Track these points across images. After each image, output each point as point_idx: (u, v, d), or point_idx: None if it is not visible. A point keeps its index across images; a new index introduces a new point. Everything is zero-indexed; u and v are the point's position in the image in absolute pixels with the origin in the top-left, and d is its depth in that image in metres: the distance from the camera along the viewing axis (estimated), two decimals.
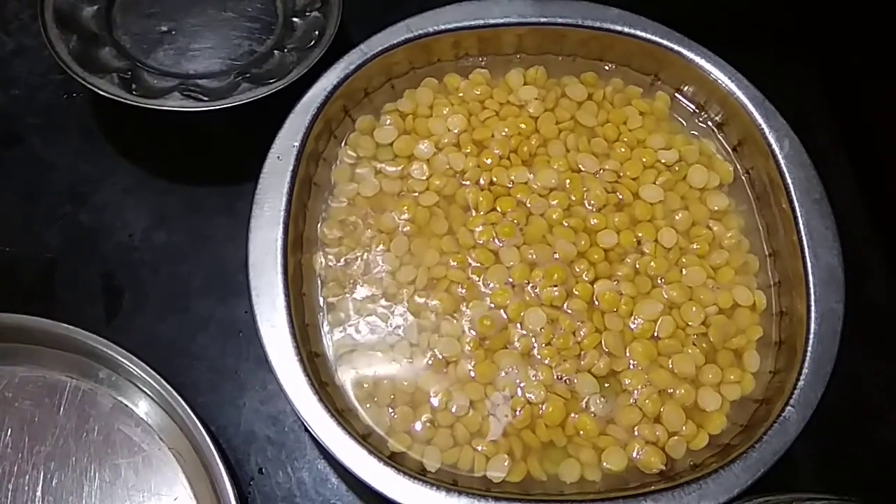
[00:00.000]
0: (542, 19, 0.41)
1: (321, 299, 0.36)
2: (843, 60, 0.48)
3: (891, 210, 0.43)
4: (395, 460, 0.32)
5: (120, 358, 0.36)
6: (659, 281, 0.37)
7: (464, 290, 0.36)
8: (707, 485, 0.31)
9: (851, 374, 0.38)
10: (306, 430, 0.36)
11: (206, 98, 0.40)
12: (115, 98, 0.39)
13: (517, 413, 0.34)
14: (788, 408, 0.32)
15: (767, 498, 0.30)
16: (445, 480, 0.32)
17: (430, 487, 0.31)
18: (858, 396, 0.39)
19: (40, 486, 0.35)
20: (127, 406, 0.36)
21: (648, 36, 0.41)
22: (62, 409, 0.37)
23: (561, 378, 0.35)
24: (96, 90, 0.39)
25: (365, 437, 0.32)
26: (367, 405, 0.34)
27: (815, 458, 0.37)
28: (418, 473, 0.31)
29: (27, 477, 0.35)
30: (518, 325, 0.36)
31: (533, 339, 0.36)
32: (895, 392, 0.39)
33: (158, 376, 0.35)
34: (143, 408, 0.36)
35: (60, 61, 0.39)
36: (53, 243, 0.41)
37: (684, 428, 0.34)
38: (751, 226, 0.39)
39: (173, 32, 0.44)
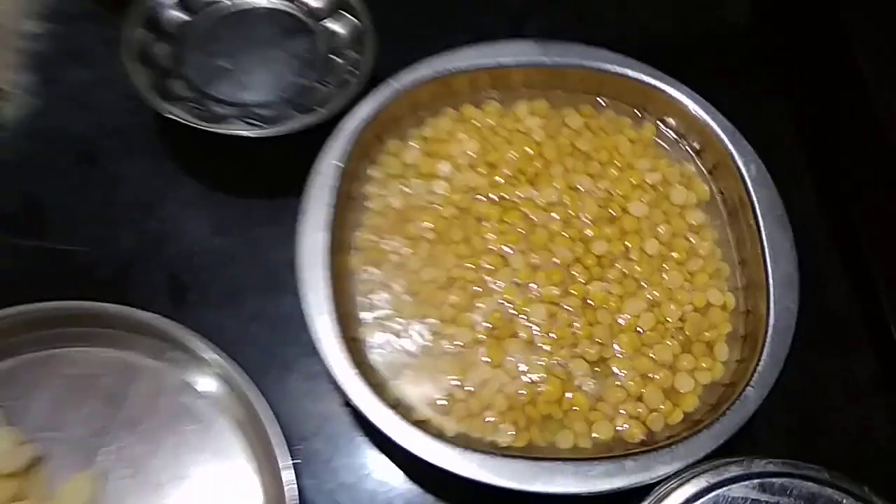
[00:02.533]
0: (546, 60, 0.46)
1: (357, 293, 0.42)
2: (810, 93, 0.53)
3: (848, 227, 0.48)
4: (419, 426, 0.37)
5: (189, 339, 0.40)
6: (643, 283, 0.42)
7: (477, 288, 0.42)
8: (678, 448, 0.36)
9: (808, 368, 0.43)
10: (345, 403, 0.42)
11: (260, 124, 0.45)
12: (186, 123, 0.44)
13: (521, 391, 0.39)
14: (748, 388, 0.37)
15: (728, 459, 0.35)
16: (461, 443, 0.36)
17: (449, 446, 0.36)
18: (814, 387, 0.44)
19: (119, 448, 0.40)
20: (193, 381, 0.41)
21: (636, 75, 0.46)
22: (136, 383, 0.41)
23: (558, 362, 0.40)
24: (171, 116, 0.44)
25: (394, 407, 0.37)
26: (396, 381, 0.40)
27: (776, 436, 0.42)
28: (439, 436, 0.37)
29: (109, 440, 0.40)
30: (523, 318, 0.41)
31: (535, 330, 0.41)
32: (847, 384, 0.44)
33: (223, 353, 0.39)
34: (206, 383, 0.41)
35: (139, 91, 0.45)
36: (127, 247, 0.46)
37: (662, 406, 0.39)
38: (723, 238, 0.44)
39: (232, 68, 0.49)
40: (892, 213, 0.45)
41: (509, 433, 0.38)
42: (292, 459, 0.38)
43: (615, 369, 0.40)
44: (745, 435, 0.38)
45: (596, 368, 0.40)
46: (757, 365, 0.38)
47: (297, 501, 0.37)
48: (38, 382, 0.41)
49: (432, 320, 0.41)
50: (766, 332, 0.39)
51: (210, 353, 0.40)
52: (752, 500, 0.33)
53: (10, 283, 0.45)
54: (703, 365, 0.41)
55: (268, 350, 0.44)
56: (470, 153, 0.45)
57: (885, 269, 0.45)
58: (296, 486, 0.37)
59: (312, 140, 0.43)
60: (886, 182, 0.45)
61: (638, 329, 0.41)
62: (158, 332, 0.41)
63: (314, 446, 0.42)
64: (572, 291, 0.42)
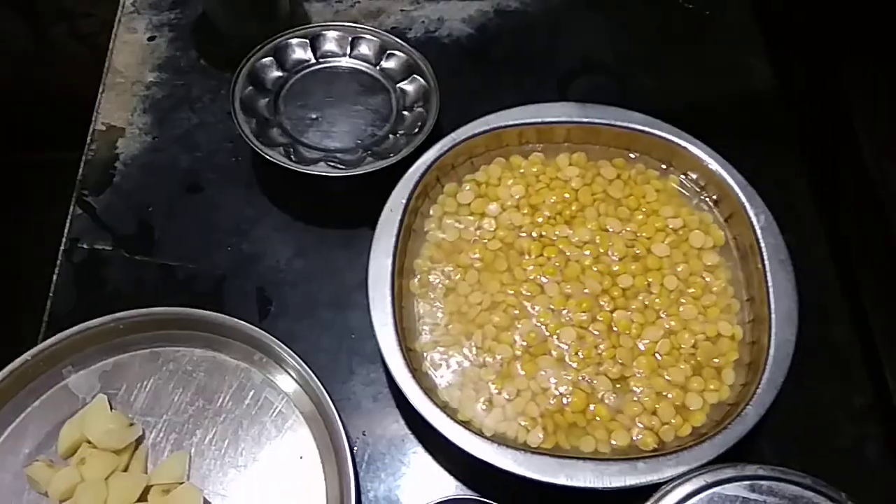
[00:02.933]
0: (585, 119, 0.52)
1: (415, 312, 0.47)
2: (822, 156, 0.57)
3: (851, 268, 0.52)
4: (463, 425, 0.42)
5: (272, 344, 0.45)
6: (662, 314, 0.47)
7: (517, 311, 0.47)
8: (683, 455, 0.41)
9: (811, 394, 0.48)
10: (398, 404, 0.47)
11: (342, 167, 0.51)
12: (282, 164, 0.51)
13: (551, 401, 0.44)
14: (748, 407, 0.42)
15: (725, 464, 0.39)
16: (497, 441, 0.42)
17: (489, 443, 0.41)
18: (816, 411, 0.48)
19: (209, 432, 0.45)
20: (272, 381, 0.46)
21: (663, 134, 0.51)
22: (226, 380, 0.47)
23: (584, 378, 0.45)
24: (270, 158, 0.51)
25: (443, 408, 0.42)
26: (445, 387, 0.45)
27: (775, 452, 0.46)
28: (479, 433, 0.42)
29: (200, 426, 0.45)
30: (555, 339, 0.46)
31: (565, 349, 0.46)
32: (846, 409, 0.48)
33: (299, 359, 0.45)
34: (284, 382, 0.46)
35: (245, 136, 0.52)
36: (223, 264, 0.52)
37: (674, 420, 0.44)
38: (734, 278, 0.48)
39: (319, 119, 0.55)
40: (888, 264, 0.49)
41: (539, 436, 0.44)
42: (352, 451, 0.43)
43: (634, 387, 0.45)
44: (748, 449, 0.42)
45: (617, 385, 0.45)
46: (757, 388, 0.43)
47: (355, 487, 0.42)
48: (144, 375, 0.47)
49: (477, 337, 0.47)
50: (767, 359, 0.44)
51: (288, 358, 0.45)
52: (743, 498, 0.37)
53: (124, 292, 0.52)
54: (712, 387, 0.45)
55: (336, 357, 0.50)
56: (515, 196, 0.51)
57: (880, 312, 0.49)
58: (353, 473, 0.42)
59: (382, 181, 0.49)
60: (879, 232, 0.49)
61: (656, 353, 0.46)
62: (246, 338, 0.47)
63: (371, 441, 0.47)
64: (599, 318, 0.47)
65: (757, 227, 0.48)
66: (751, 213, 0.49)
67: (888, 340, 0.48)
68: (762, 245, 0.47)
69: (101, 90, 0.61)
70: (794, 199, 0.55)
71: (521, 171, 0.52)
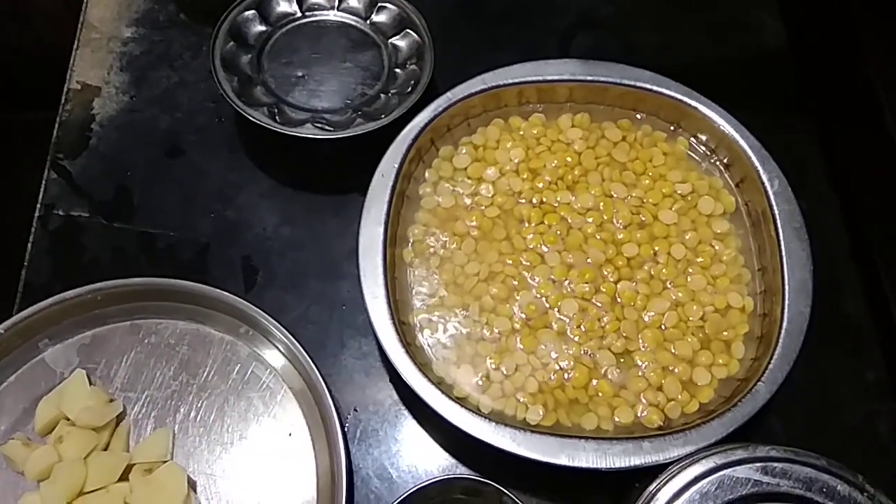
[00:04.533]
0: (589, 77, 0.49)
1: (409, 282, 0.46)
2: (836, 115, 0.55)
3: (866, 239, 0.50)
4: (459, 402, 0.40)
5: (258, 316, 0.44)
6: (668, 284, 0.45)
7: (516, 283, 0.45)
8: (691, 434, 0.39)
9: (823, 370, 0.46)
10: (391, 379, 0.46)
11: (330, 128, 0.49)
12: (266, 126, 0.48)
13: (551, 376, 0.43)
14: (759, 384, 0.41)
15: (736, 444, 0.38)
16: (496, 419, 0.40)
17: (485, 421, 0.40)
18: (825, 386, 0.47)
19: (193, 408, 0.44)
20: (259, 354, 0.45)
21: (672, 93, 0.49)
22: (211, 353, 0.45)
23: (587, 353, 0.44)
24: (253, 119, 0.49)
25: (438, 384, 0.41)
26: (440, 361, 0.43)
27: (785, 429, 0.45)
28: (476, 411, 0.40)
29: (183, 402, 0.44)
30: (556, 311, 0.45)
31: (567, 322, 0.44)
32: (858, 385, 0.47)
33: (287, 332, 0.43)
34: (271, 356, 0.45)
35: (226, 95, 0.49)
36: (206, 232, 0.50)
37: (680, 396, 0.42)
38: (745, 246, 0.47)
39: (306, 77, 0.53)
40: None
41: (539, 413, 0.42)
42: (343, 427, 0.42)
43: (638, 361, 0.44)
44: (757, 426, 0.41)
45: (621, 360, 0.44)
46: (769, 363, 0.41)
47: (346, 465, 0.41)
48: (125, 349, 0.46)
49: (474, 309, 0.45)
50: (780, 333, 0.42)
51: (276, 331, 0.44)
52: (755, 481, 0.36)
53: (102, 261, 0.50)
54: (720, 361, 0.44)
55: (326, 329, 0.48)
56: (515, 160, 0.49)
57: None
58: (344, 450, 0.41)
59: (374, 143, 0.47)
60: None
61: (662, 326, 0.45)
62: (232, 310, 0.45)
63: (363, 416, 0.46)
64: (602, 289, 0.45)
65: (770, 193, 0.46)
66: (764, 178, 0.47)
67: None
68: (776, 212, 0.46)
69: (75, 47, 0.58)
70: (804, 162, 0.53)
71: (521, 133, 0.50)
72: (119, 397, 0.44)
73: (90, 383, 0.44)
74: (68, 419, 0.43)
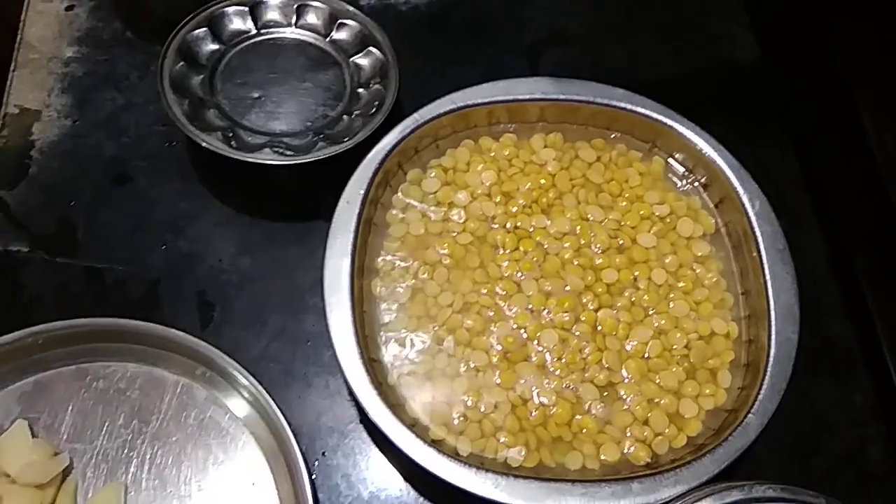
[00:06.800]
0: (561, 96, 0.48)
1: (379, 317, 0.43)
2: (812, 131, 0.54)
3: (848, 262, 0.49)
4: (435, 445, 0.38)
5: (215, 357, 0.41)
6: (650, 311, 0.44)
7: (492, 313, 0.43)
8: (682, 472, 0.37)
9: (808, 395, 0.45)
10: (361, 420, 0.43)
11: (290, 153, 0.47)
12: (220, 152, 0.46)
13: (533, 413, 0.41)
14: (750, 415, 0.39)
15: (730, 484, 0.37)
16: (475, 463, 0.38)
17: (463, 466, 0.37)
18: (813, 414, 0.45)
19: (147, 459, 0.41)
20: (218, 398, 0.43)
21: (646, 112, 0.47)
22: (165, 398, 0.43)
23: (569, 386, 0.42)
24: (205, 145, 0.46)
25: (412, 426, 0.39)
26: (414, 401, 0.41)
27: (774, 457, 0.44)
28: (454, 455, 0.38)
29: (136, 452, 0.41)
30: (535, 343, 0.43)
31: (547, 355, 0.42)
32: (844, 410, 0.46)
33: (247, 373, 0.41)
34: (231, 400, 0.42)
35: (176, 120, 0.47)
36: (157, 265, 0.48)
37: (667, 430, 0.41)
38: (727, 269, 0.45)
39: (262, 98, 0.50)
40: (889, 251, 0.47)
41: (521, 453, 0.40)
42: (311, 474, 0.40)
43: (623, 394, 0.42)
44: (745, 455, 0.39)
45: (604, 393, 0.42)
46: (758, 393, 0.40)
47: None
48: (70, 396, 0.43)
49: (449, 343, 0.43)
50: (768, 361, 0.41)
51: (235, 372, 0.42)
52: None
53: (44, 300, 0.47)
54: (707, 391, 0.42)
55: (290, 367, 0.45)
56: (486, 183, 0.47)
57: (881, 304, 0.47)
58: (312, 499, 0.38)
59: (337, 168, 0.45)
60: (881, 220, 0.47)
61: (645, 355, 0.43)
62: (186, 350, 0.43)
63: (332, 461, 0.43)
64: (582, 318, 0.43)
65: (751, 213, 0.45)
66: (744, 198, 0.45)
67: (892, 334, 0.45)
68: (757, 233, 0.44)
69: (12, 68, 0.55)
70: (782, 181, 0.52)
71: (492, 154, 0.48)
72: (65, 450, 0.41)
73: (33, 435, 0.41)
74: (9, 476, 0.40)
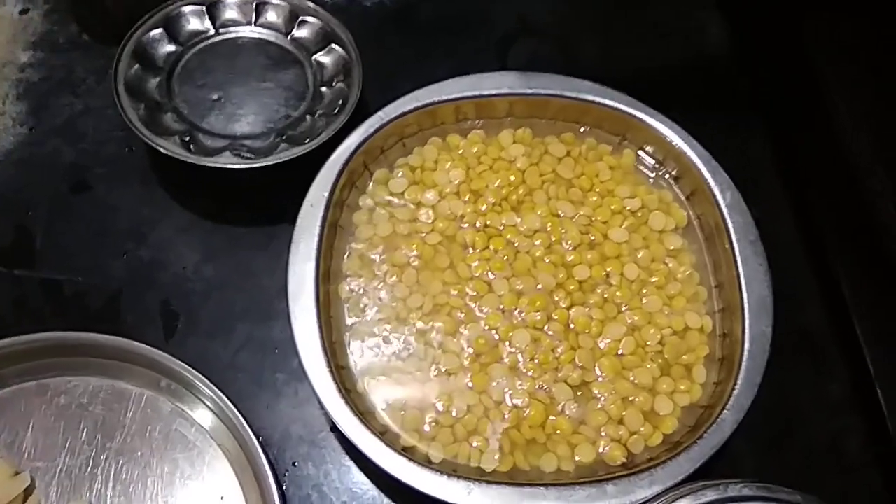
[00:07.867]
0: (529, 90, 0.47)
1: (346, 321, 0.42)
2: (785, 121, 0.54)
3: (822, 251, 0.49)
4: (406, 452, 0.37)
5: (179, 369, 0.40)
6: (623, 307, 0.43)
7: (462, 315, 0.42)
8: (657, 472, 0.37)
9: (783, 387, 0.44)
10: (332, 428, 0.42)
11: (251, 156, 0.45)
12: (178, 157, 0.45)
13: (506, 416, 0.40)
14: (725, 411, 0.38)
15: (706, 483, 0.36)
16: (447, 469, 0.37)
17: (435, 473, 0.36)
18: (789, 406, 0.45)
19: (112, 475, 0.40)
20: (183, 410, 0.42)
21: (615, 104, 0.46)
22: (128, 412, 0.42)
23: (542, 387, 0.41)
24: (163, 150, 0.45)
25: (382, 434, 0.38)
26: (384, 408, 0.40)
27: (750, 451, 0.43)
28: (425, 463, 0.37)
29: (100, 468, 0.40)
30: (507, 344, 0.42)
31: (519, 355, 0.41)
32: (820, 402, 0.45)
33: (212, 384, 0.40)
34: (197, 412, 0.42)
35: (132, 125, 0.45)
36: (119, 275, 0.46)
37: (642, 428, 0.40)
38: (700, 262, 0.45)
39: (222, 100, 0.49)
40: (863, 240, 0.46)
41: (494, 458, 0.39)
42: (280, 485, 0.39)
43: (597, 393, 0.41)
44: (722, 451, 0.38)
45: (578, 392, 0.41)
46: (733, 389, 0.39)
47: None
48: (31, 412, 0.42)
49: (419, 347, 0.42)
50: (742, 355, 0.40)
51: (200, 384, 0.41)
52: None
53: (2, 314, 0.46)
54: (682, 387, 0.41)
55: (258, 376, 0.44)
56: (455, 181, 0.46)
57: (856, 293, 0.46)
58: None
59: (301, 169, 0.44)
60: (855, 209, 0.46)
61: (619, 353, 0.42)
62: (150, 362, 0.42)
63: (303, 471, 0.42)
64: (555, 317, 0.43)
65: (723, 205, 0.44)
66: (715, 190, 0.45)
67: (868, 324, 0.45)
68: (729, 225, 0.44)
69: None
70: (755, 172, 0.51)
71: (460, 151, 0.47)
72: (26, 468, 0.40)
73: None
74: None
